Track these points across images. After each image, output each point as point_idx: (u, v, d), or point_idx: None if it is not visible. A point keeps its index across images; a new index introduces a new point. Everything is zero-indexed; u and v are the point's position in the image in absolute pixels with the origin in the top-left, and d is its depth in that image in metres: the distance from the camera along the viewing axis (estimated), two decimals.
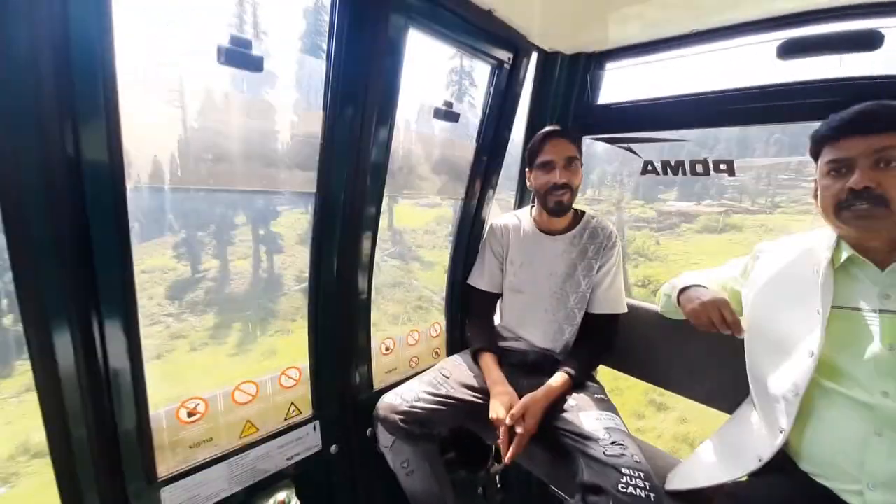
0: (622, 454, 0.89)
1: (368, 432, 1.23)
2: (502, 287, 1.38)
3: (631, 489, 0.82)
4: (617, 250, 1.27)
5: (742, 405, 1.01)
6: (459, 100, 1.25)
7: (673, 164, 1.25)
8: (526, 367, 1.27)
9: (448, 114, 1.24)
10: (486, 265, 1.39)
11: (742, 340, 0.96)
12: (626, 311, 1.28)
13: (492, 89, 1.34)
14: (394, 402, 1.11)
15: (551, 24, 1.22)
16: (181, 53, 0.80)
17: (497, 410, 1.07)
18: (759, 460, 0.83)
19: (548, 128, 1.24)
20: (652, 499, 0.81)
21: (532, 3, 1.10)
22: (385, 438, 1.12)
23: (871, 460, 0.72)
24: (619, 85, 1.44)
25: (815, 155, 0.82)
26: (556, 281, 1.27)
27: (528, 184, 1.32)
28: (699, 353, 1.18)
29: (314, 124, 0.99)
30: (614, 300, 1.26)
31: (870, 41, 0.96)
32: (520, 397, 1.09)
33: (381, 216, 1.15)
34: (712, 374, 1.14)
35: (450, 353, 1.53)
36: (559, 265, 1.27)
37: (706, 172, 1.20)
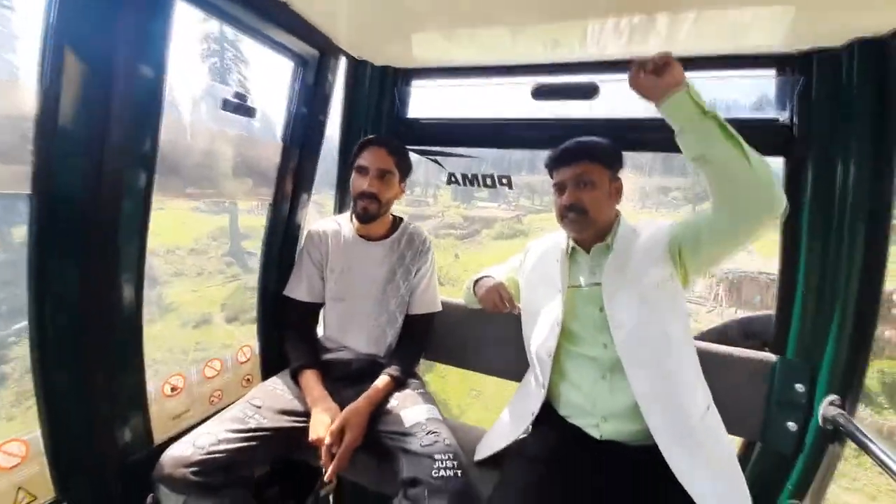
0: (435, 441, 0.96)
1: (150, 500, 0.96)
2: (323, 296, 1.32)
3: (442, 472, 0.89)
4: (431, 254, 1.38)
5: (526, 373, 1.25)
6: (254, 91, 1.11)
7: (470, 177, 1.47)
8: (351, 377, 1.24)
9: (241, 107, 1.09)
10: (305, 274, 1.30)
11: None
12: (440, 309, 1.40)
13: (297, 87, 1.25)
14: (183, 452, 0.90)
15: (356, 32, 1.23)
16: None
17: (317, 430, 1.00)
18: (532, 414, 1.04)
19: (374, 136, 1.24)
20: (459, 475, 0.91)
21: (334, 6, 1.08)
22: (172, 501, 0.90)
23: (600, 399, 0.98)
24: (434, 100, 1.56)
25: (551, 176, 1.10)
26: (378, 286, 1.28)
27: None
28: (496, 334, 1.39)
29: (23, 102, 0.71)
30: (430, 300, 1.36)
31: (591, 91, 1.32)
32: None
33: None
34: (506, 350, 1.36)
35: (266, 376, 1.35)
36: (379, 270, 1.29)
37: (494, 185, 1.47)
